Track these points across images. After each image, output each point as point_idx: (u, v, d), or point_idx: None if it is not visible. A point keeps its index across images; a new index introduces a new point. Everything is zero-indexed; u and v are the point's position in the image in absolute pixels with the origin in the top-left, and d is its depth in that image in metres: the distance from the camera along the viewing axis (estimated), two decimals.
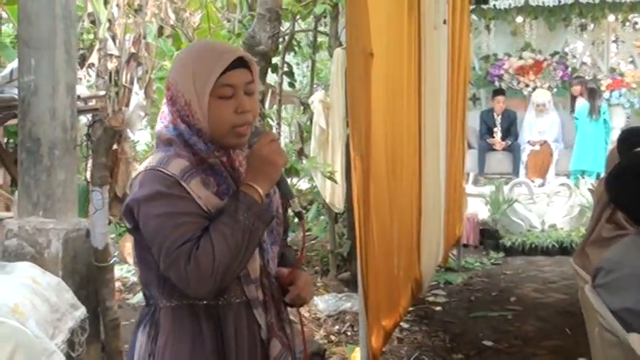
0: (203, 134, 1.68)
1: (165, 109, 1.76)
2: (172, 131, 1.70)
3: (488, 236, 7.92)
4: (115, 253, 4.75)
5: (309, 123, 5.84)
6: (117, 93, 5.75)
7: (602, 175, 4.00)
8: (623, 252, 2.41)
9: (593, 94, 9.15)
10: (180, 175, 1.62)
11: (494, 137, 9.32)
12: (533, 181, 8.78)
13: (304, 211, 3.40)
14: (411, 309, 4.93)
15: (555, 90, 9.83)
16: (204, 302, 1.65)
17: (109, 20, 5.87)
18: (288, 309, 1.84)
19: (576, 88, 9.38)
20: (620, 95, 9.55)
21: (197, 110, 1.67)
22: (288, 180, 5.09)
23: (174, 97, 1.70)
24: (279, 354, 1.73)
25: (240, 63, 1.69)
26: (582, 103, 9.13)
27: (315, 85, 6.48)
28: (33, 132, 3.22)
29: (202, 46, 1.88)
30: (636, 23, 10.16)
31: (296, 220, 1.78)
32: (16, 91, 4.25)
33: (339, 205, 5.43)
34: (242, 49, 1.87)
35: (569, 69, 9.95)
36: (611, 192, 2.49)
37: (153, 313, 1.70)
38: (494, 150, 9.30)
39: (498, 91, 9.54)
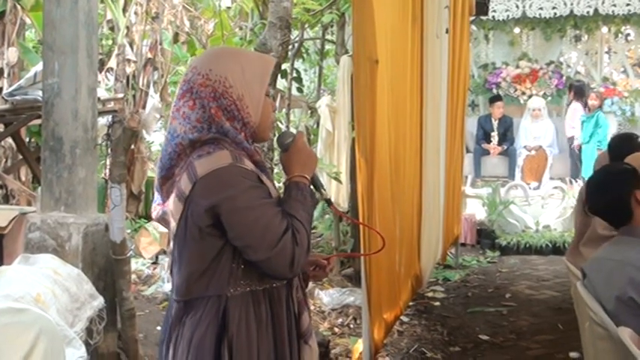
0: (247, 129, 1.76)
1: (185, 109, 1.73)
2: (202, 130, 1.71)
3: (485, 236, 8.04)
4: (132, 247, 4.93)
5: (316, 126, 5.97)
6: (134, 96, 6.01)
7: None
8: (607, 250, 2.54)
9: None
10: (255, 170, 1.73)
11: (491, 142, 9.45)
12: (528, 184, 8.92)
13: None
14: (411, 304, 5.06)
15: (550, 98, 10.00)
16: (262, 287, 1.76)
17: (127, 27, 6.11)
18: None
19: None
20: (612, 103, 9.71)
21: (250, 104, 1.75)
22: None
23: (218, 92, 1.72)
24: (308, 325, 1.87)
25: None
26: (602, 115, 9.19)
27: (322, 91, 6.58)
28: (56, 132, 3.28)
29: (244, 50, 2.05)
30: (628, 35, 10.32)
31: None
32: (38, 92, 4.42)
33: (343, 204, 5.55)
34: None
35: (564, 78, 10.11)
36: (590, 201, 2.61)
37: (216, 303, 1.72)
38: (489, 154, 9.44)
39: (497, 98, 9.66)
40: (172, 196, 1.75)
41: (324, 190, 1.96)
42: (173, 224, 1.76)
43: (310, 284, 2.09)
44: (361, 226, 3.32)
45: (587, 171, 8.70)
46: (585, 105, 9.29)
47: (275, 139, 1.96)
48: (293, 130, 6.71)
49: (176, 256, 1.78)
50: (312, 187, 1.89)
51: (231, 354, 1.72)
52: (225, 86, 1.73)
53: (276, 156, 4.71)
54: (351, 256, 5.41)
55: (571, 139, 9.42)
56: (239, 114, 1.74)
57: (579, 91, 9.42)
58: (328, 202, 2.01)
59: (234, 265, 1.73)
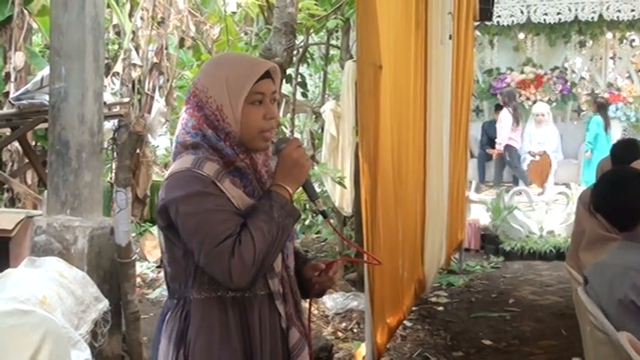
0: (231, 138, 1.75)
1: (185, 115, 1.79)
2: (196, 136, 1.75)
3: (489, 241, 7.99)
4: (137, 251, 4.95)
5: (320, 131, 5.98)
6: (139, 100, 6.04)
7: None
8: (610, 255, 2.54)
9: (602, 108, 9.31)
10: (214, 176, 1.69)
11: (495, 148, 9.50)
12: (533, 190, 8.93)
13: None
14: (414, 308, 5.06)
15: (555, 103, 10.02)
16: (232, 295, 1.72)
17: (133, 32, 6.15)
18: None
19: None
20: (617, 109, 9.73)
21: (229, 114, 1.74)
22: None
23: (202, 103, 1.75)
24: (297, 342, 1.81)
25: (266, 74, 1.78)
26: (595, 119, 9.27)
27: (326, 95, 6.60)
28: (62, 136, 3.33)
29: (235, 56, 1.99)
30: (633, 41, 10.36)
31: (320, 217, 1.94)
32: (45, 97, 4.45)
33: (347, 208, 5.52)
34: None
35: (569, 83, 10.14)
36: (596, 200, 2.59)
37: (182, 305, 1.75)
38: (494, 159, 9.47)
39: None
40: None
41: (319, 200, 1.88)
42: None
43: (319, 295, 2.00)
44: (365, 230, 3.29)
45: (589, 176, 8.80)
46: (514, 111, 9.24)
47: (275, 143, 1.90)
48: (297, 135, 6.79)
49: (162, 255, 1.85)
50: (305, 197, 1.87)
51: (187, 357, 1.73)
52: (207, 96, 1.76)
53: None
54: (354, 261, 5.40)
55: (509, 148, 9.37)
56: (220, 124, 1.75)
57: (510, 97, 9.43)
58: (322, 214, 1.92)
59: (199, 268, 1.71)
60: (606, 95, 9.83)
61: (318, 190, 6.10)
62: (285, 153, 1.78)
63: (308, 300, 1.95)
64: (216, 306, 1.73)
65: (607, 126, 9.19)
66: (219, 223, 1.65)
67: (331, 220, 6.38)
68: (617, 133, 9.47)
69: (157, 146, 6.88)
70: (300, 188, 1.84)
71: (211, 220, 1.65)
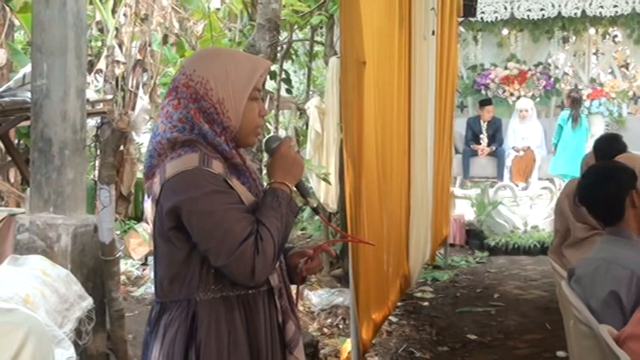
0: (227, 133, 1.73)
1: (168, 107, 1.74)
2: (183, 130, 1.70)
3: (474, 236, 8.11)
4: (121, 248, 4.93)
5: (305, 127, 5.99)
6: (123, 97, 6.01)
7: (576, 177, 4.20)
8: (595, 251, 2.54)
9: (575, 103, 9.43)
10: (224, 174, 1.68)
11: (480, 143, 9.50)
12: (517, 185, 8.98)
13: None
14: (399, 304, 5.09)
15: (538, 99, 10.06)
16: (236, 293, 1.73)
17: (117, 28, 6.12)
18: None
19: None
20: (599, 104, 9.77)
21: (230, 108, 1.72)
22: None
23: (199, 95, 1.71)
24: (293, 335, 1.83)
25: None
26: (565, 113, 9.44)
27: (311, 92, 6.62)
28: (45, 133, 3.28)
29: (235, 51, 1.98)
30: (616, 36, 10.40)
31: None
32: (27, 94, 4.41)
33: (332, 205, 5.58)
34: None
35: (552, 79, 10.18)
36: (581, 193, 2.58)
37: (187, 307, 1.72)
38: (478, 155, 9.46)
39: (487, 101, 9.70)
40: (150, 199, 1.77)
41: (311, 197, 1.91)
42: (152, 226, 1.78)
43: (303, 281, 2.02)
44: (350, 226, 3.28)
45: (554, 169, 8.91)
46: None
47: (264, 141, 1.92)
48: (282, 132, 6.80)
49: (154, 258, 1.81)
50: (299, 194, 1.87)
51: (199, 359, 1.71)
52: (206, 89, 1.72)
53: (266, 157, 4.72)
54: (340, 241, 5.36)
55: None
56: (218, 117, 1.72)
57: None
58: (315, 210, 1.96)
59: (204, 269, 1.70)
60: (589, 91, 9.90)
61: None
62: (283, 151, 1.80)
63: (294, 288, 1.96)
64: (222, 305, 1.72)
65: (575, 121, 9.25)
66: (238, 222, 1.64)
67: (316, 218, 6.45)
68: (599, 129, 9.54)
69: (142, 143, 6.83)
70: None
71: (229, 219, 1.64)
